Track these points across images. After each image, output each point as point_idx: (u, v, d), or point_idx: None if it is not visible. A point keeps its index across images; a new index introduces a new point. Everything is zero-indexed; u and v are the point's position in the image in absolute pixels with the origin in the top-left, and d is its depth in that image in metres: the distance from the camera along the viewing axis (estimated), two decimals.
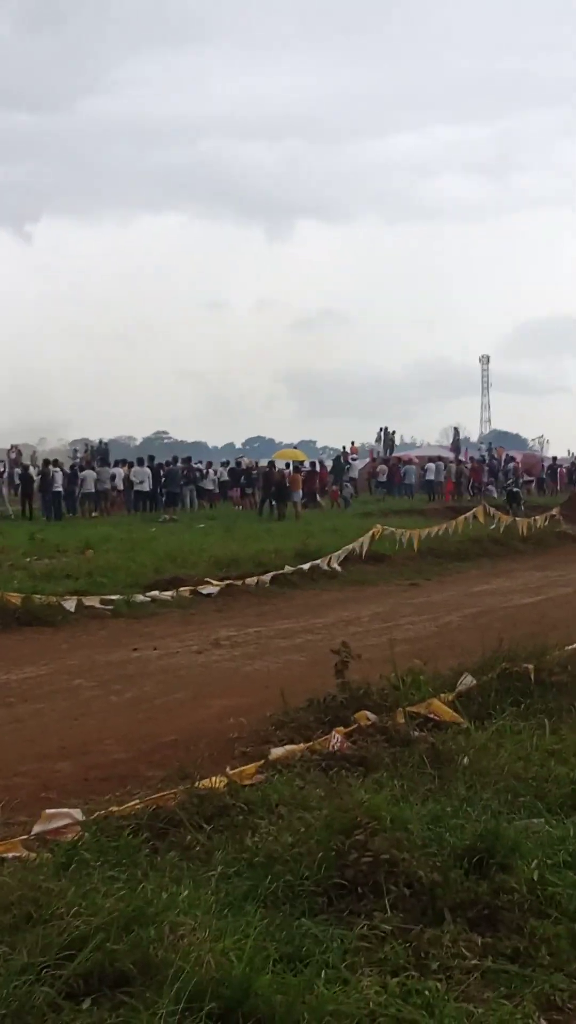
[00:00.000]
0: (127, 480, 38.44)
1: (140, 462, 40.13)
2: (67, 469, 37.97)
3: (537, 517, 32.22)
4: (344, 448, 53.81)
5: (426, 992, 4.38)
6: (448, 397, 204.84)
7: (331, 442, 78.27)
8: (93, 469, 38.72)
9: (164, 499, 38.35)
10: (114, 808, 6.47)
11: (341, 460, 50.20)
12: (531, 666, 9.66)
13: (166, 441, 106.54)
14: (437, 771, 7.17)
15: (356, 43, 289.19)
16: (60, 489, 35.44)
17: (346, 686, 9.08)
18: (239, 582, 19.19)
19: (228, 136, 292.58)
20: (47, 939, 4.42)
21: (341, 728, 8.08)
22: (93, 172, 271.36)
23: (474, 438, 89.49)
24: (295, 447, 68.62)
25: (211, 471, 43.55)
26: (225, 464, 48.52)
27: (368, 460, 55.25)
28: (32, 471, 37.33)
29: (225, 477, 44.50)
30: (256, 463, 46.85)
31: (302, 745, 7.85)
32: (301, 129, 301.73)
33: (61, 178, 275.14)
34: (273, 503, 36.57)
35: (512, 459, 56.47)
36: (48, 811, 6.55)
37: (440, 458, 51.26)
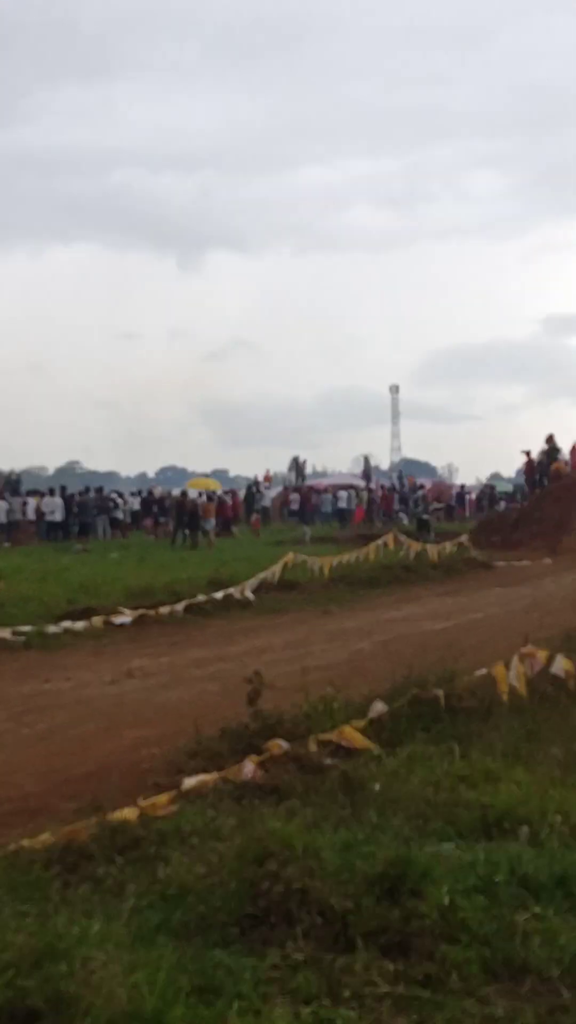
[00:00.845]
0: (38, 510, 38.19)
1: (51, 492, 39.90)
2: None
3: (447, 544, 32.56)
4: (256, 477, 53.96)
5: (338, 1021, 4.39)
6: (359, 426, 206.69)
7: (244, 471, 78.56)
8: (4, 499, 38.42)
9: (77, 529, 38.14)
10: (25, 842, 6.41)
11: (253, 489, 50.37)
12: (441, 692, 9.75)
13: (78, 471, 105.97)
14: (349, 798, 7.20)
15: (267, 75, 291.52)
16: None
17: (259, 715, 9.09)
18: (152, 611, 19.10)
19: (139, 167, 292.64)
20: None
21: (254, 757, 8.09)
22: (2, 203, 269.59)
23: (384, 466, 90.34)
24: (208, 476, 68.70)
25: (122, 500, 43.32)
26: (137, 494, 48.40)
27: (281, 489, 55.44)
28: None
29: (137, 507, 44.38)
30: (169, 492, 46.83)
31: (215, 775, 7.84)
32: (212, 160, 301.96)
33: None
34: (186, 532, 36.53)
35: (422, 487, 57.10)
36: None
37: (351, 486, 51.59)
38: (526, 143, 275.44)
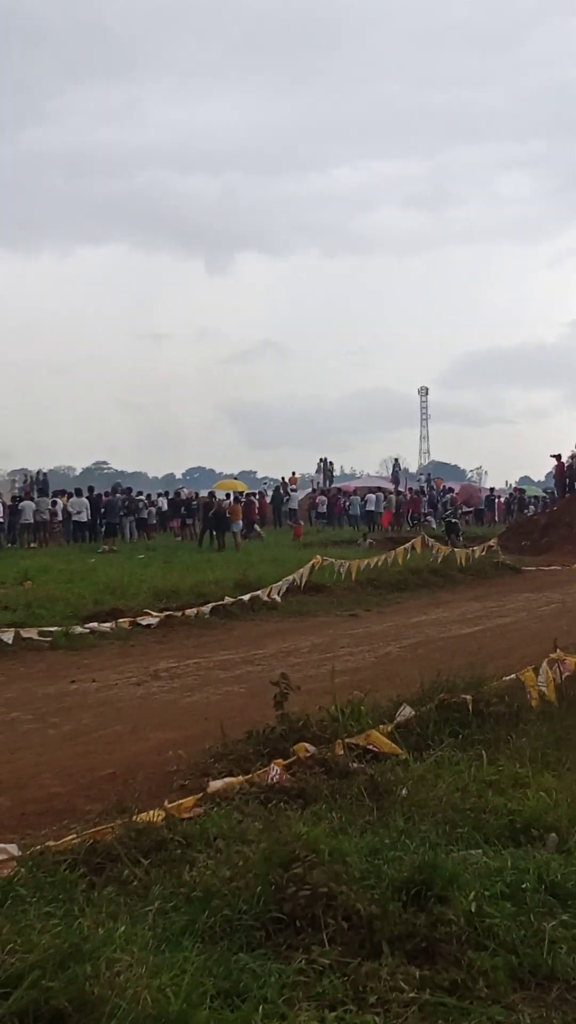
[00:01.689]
0: (65, 511, 38.30)
1: (78, 493, 39.99)
2: (6, 500, 37.77)
3: (475, 548, 32.45)
4: (283, 479, 53.95)
5: None
6: (387, 428, 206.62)
7: (272, 473, 78.56)
8: (32, 500, 38.54)
9: (103, 530, 38.22)
10: (51, 843, 6.40)
11: (280, 491, 50.36)
12: (469, 697, 9.71)
13: (106, 471, 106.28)
14: (376, 803, 7.17)
15: (295, 76, 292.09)
16: (0, 520, 35.23)
17: (285, 718, 9.06)
18: (179, 613, 19.11)
19: (167, 168, 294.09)
20: None
21: (280, 760, 8.06)
22: (31, 204, 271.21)
23: (413, 469, 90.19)
24: (235, 477, 68.77)
25: (148, 502, 43.29)
26: (164, 495, 48.49)
27: (308, 491, 55.41)
28: None
29: (165, 508, 44.44)
30: (196, 494, 46.87)
31: (241, 778, 7.82)
32: (240, 161, 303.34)
33: None
34: (213, 533, 36.55)
35: (450, 490, 56.93)
36: None
37: (380, 489, 51.51)
38: (556, 145, 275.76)
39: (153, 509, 43.32)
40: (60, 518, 38.56)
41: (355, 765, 7.99)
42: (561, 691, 10.81)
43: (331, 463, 63.34)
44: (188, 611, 19.32)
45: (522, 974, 4.92)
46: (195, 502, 42.82)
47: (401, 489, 54.56)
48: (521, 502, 55.07)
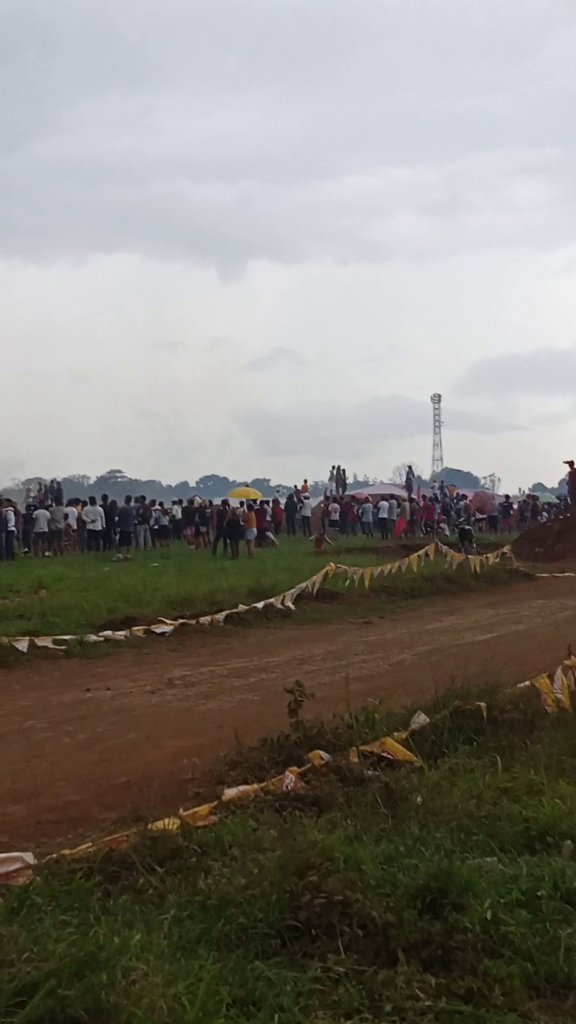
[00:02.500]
0: (79, 519, 38.35)
1: (92, 501, 40.04)
2: (20, 509, 37.87)
3: (489, 555, 32.42)
4: (296, 487, 53.97)
5: None
6: (400, 435, 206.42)
7: (285, 480, 78.53)
8: (46, 508, 38.61)
9: (118, 538, 38.27)
10: (66, 851, 6.41)
11: (293, 499, 50.37)
12: (484, 704, 9.69)
13: (120, 480, 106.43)
14: (390, 810, 7.16)
15: (308, 84, 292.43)
16: (13, 529, 35.29)
17: (300, 725, 9.06)
18: (193, 621, 19.13)
19: (181, 176, 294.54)
20: None
21: (295, 768, 8.07)
22: (46, 212, 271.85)
23: (426, 476, 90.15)
24: (249, 485, 68.79)
25: (156, 510, 43.18)
26: (178, 503, 48.53)
27: (321, 498, 55.39)
28: None
29: (179, 516, 44.45)
30: (210, 502, 46.89)
31: (256, 785, 7.82)
32: (254, 169, 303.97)
33: (13, 218, 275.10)
34: (227, 541, 36.57)
35: (464, 497, 56.93)
36: None
37: (393, 496, 51.47)
38: (570, 152, 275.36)
39: (167, 517, 43.33)
40: (75, 527, 38.60)
41: (370, 772, 7.98)
42: None
43: (344, 470, 63.30)
44: (202, 619, 19.33)
45: (538, 982, 4.91)
46: (209, 510, 42.80)
47: (414, 496, 54.49)
48: (535, 509, 54.97)
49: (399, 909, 5.25)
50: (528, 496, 63.65)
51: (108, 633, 17.60)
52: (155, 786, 8.63)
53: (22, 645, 15.92)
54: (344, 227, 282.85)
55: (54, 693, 13.50)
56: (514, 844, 6.60)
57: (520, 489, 74.64)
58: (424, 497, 55.40)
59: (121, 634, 17.63)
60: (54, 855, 6.31)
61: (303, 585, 23.11)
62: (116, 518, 38.75)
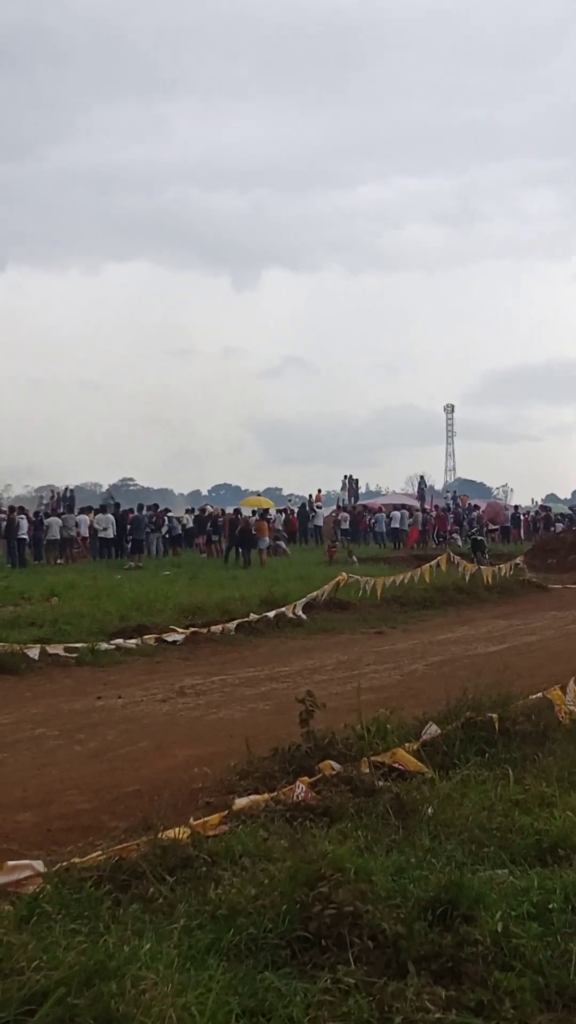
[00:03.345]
0: (91, 527, 38.40)
1: (104, 509, 40.09)
2: (32, 516, 37.94)
3: (501, 565, 32.37)
4: (309, 496, 53.97)
5: None
6: (413, 445, 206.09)
7: (298, 489, 78.49)
8: (59, 516, 38.67)
9: (130, 546, 38.31)
10: (76, 859, 6.41)
11: (306, 508, 50.37)
12: (495, 715, 9.67)
13: (132, 488, 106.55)
14: (401, 821, 7.15)
15: (320, 93, 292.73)
16: (25, 536, 35.35)
17: (311, 735, 9.06)
18: (204, 630, 19.13)
19: (194, 185, 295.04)
20: (7, 993, 4.37)
21: (306, 778, 8.06)
22: (59, 220, 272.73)
23: (439, 486, 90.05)
24: (261, 494, 68.82)
25: (167, 518, 43.12)
26: (191, 511, 48.56)
27: (333, 508, 55.37)
28: None
29: (191, 524, 44.47)
30: (222, 510, 46.90)
31: (266, 795, 7.81)
32: (265, 178, 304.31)
33: (26, 226, 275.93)
34: (239, 550, 36.57)
35: (476, 507, 56.83)
36: (10, 863, 6.49)
37: (405, 506, 51.42)
38: None
39: (179, 525, 43.35)
40: (87, 534, 38.65)
41: (381, 783, 7.96)
42: None
43: (356, 480, 63.33)
44: (214, 628, 19.34)
45: (549, 995, 4.89)
46: (221, 519, 42.81)
47: (427, 507, 54.44)
48: (547, 519, 54.87)
49: (410, 921, 5.24)
50: (541, 507, 63.51)
51: (120, 641, 17.61)
52: (166, 795, 8.64)
53: (33, 652, 15.94)
54: (356, 236, 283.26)
55: (65, 701, 13.50)
56: (525, 856, 6.58)
57: (533, 500, 74.55)
58: (436, 507, 55.34)
59: (132, 642, 17.64)
60: (64, 863, 6.32)
61: (315, 594, 23.12)
62: (128, 526, 38.80)
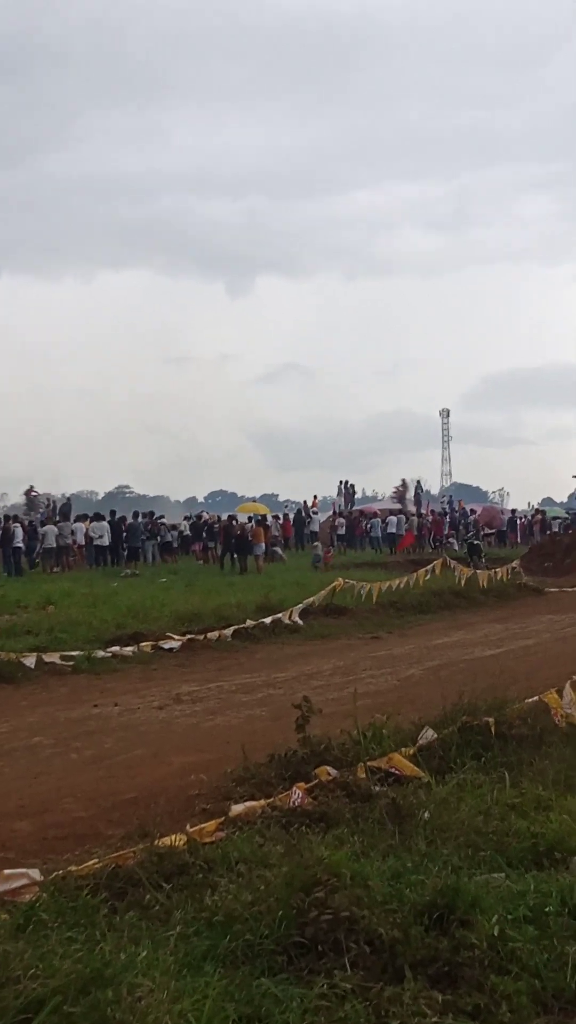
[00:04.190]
0: (87, 535, 38.36)
1: (99, 517, 40.02)
2: (27, 524, 37.91)
3: (498, 569, 32.37)
4: (305, 502, 53.96)
5: None
6: (409, 450, 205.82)
7: (294, 496, 78.43)
8: (54, 524, 38.64)
9: (126, 554, 38.27)
10: (72, 868, 6.41)
11: (302, 514, 50.35)
12: (492, 719, 9.68)
13: (128, 495, 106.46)
14: (398, 826, 7.15)
15: (315, 100, 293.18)
16: (21, 544, 35.32)
17: (307, 741, 9.06)
18: (201, 636, 19.13)
19: (189, 192, 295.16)
20: (3, 1002, 4.37)
21: (302, 784, 8.06)
22: (53, 228, 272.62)
23: (435, 491, 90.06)
24: (257, 500, 68.75)
25: (161, 524, 42.99)
26: (188, 518, 48.54)
27: (330, 514, 55.34)
28: None
29: (187, 532, 44.44)
30: (219, 517, 46.86)
31: (263, 801, 7.81)
32: (260, 185, 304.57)
33: (21, 234, 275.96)
34: (234, 556, 36.57)
35: (472, 511, 56.84)
36: (6, 871, 6.48)
37: (401, 511, 51.42)
38: None
39: (175, 533, 43.33)
40: (82, 542, 38.62)
41: (377, 788, 7.97)
42: None
43: (352, 485, 63.27)
44: (210, 634, 19.35)
45: (545, 998, 4.90)
46: (217, 525, 42.76)
47: (423, 511, 54.42)
48: (543, 523, 54.86)
49: (406, 925, 5.24)
50: (536, 511, 63.46)
51: (116, 649, 17.63)
52: (162, 802, 8.64)
53: (30, 661, 15.94)
54: (351, 242, 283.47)
55: (61, 709, 13.50)
56: (522, 860, 6.59)
57: (529, 503, 74.49)
58: (433, 512, 55.33)
59: (129, 650, 17.65)
60: (60, 871, 6.32)
61: (311, 600, 23.12)
62: (124, 533, 38.76)
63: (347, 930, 5.16)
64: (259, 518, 44.09)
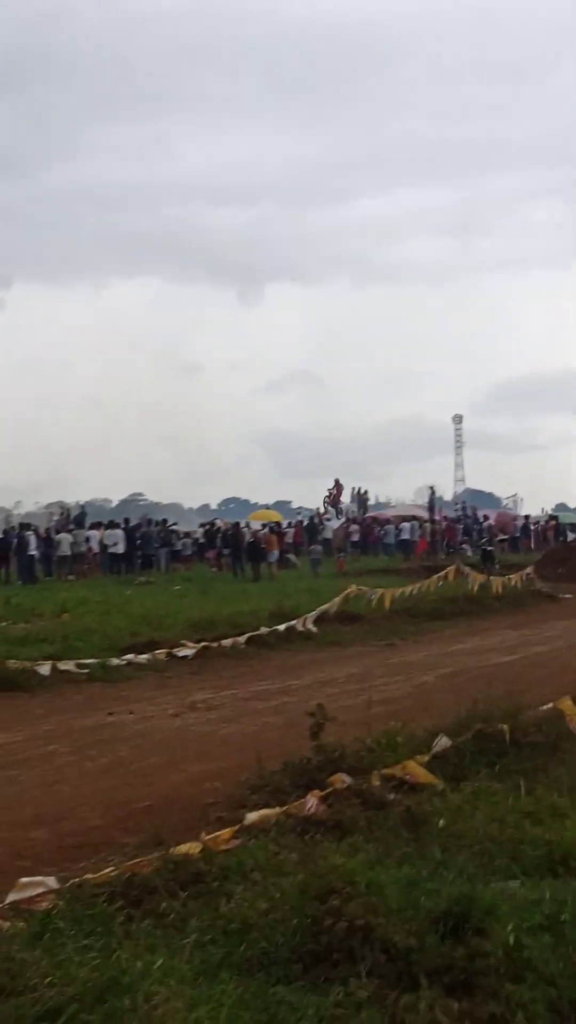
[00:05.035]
0: (101, 543, 38.41)
1: (113, 524, 40.07)
2: (42, 532, 38.00)
3: (512, 576, 32.31)
4: (317, 509, 53.99)
5: None
6: (422, 457, 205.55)
7: (307, 502, 78.34)
8: (69, 532, 38.72)
9: (140, 561, 38.30)
10: (88, 876, 6.42)
11: (315, 521, 50.39)
12: (506, 726, 9.67)
13: (141, 503, 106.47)
14: (412, 834, 7.15)
15: (322, 108, 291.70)
16: (35, 553, 35.39)
17: (321, 749, 9.06)
18: (215, 644, 19.14)
19: (198, 201, 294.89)
20: (20, 1011, 4.39)
21: (317, 791, 8.06)
22: (64, 238, 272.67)
23: (448, 497, 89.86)
24: (270, 507, 68.83)
25: (174, 533, 42.98)
26: (203, 526, 48.62)
27: (343, 520, 55.36)
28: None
29: (202, 539, 44.50)
30: (235, 524, 46.90)
31: (277, 809, 7.82)
32: (269, 193, 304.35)
33: (32, 244, 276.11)
34: (240, 563, 36.66)
35: (486, 518, 56.79)
36: (22, 880, 6.49)
37: (415, 517, 51.40)
38: None
39: (189, 540, 43.39)
40: (97, 550, 38.66)
41: (392, 796, 7.97)
42: None
43: (365, 492, 63.34)
44: (224, 642, 19.35)
45: (561, 1006, 4.88)
46: (229, 532, 42.79)
47: (436, 518, 54.40)
48: (557, 529, 54.76)
49: (421, 933, 5.24)
50: (550, 517, 63.34)
51: (130, 657, 17.62)
52: (177, 810, 8.67)
53: (44, 669, 15.97)
54: (360, 249, 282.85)
55: (76, 717, 13.53)
56: (537, 868, 6.58)
57: (543, 509, 74.26)
58: (446, 518, 55.28)
59: (143, 657, 17.65)
60: (77, 880, 6.33)
61: (325, 607, 23.12)
62: (138, 541, 38.81)
63: (362, 938, 5.16)
64: (272, 525, 44.11)
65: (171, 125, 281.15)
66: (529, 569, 34.65)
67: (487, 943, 5.19)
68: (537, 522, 57.86)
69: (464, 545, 49.55)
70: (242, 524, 45.31)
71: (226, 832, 7.38)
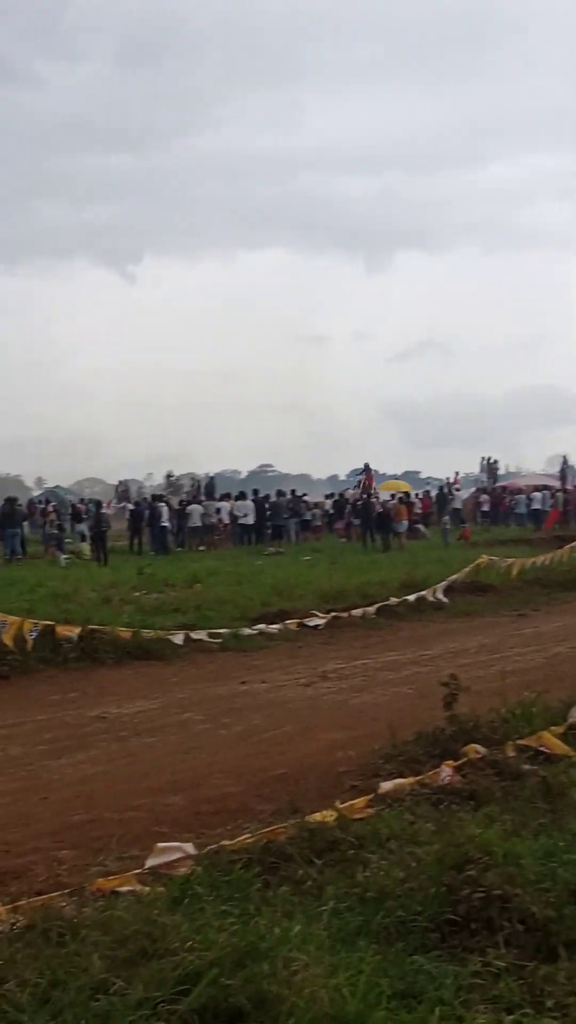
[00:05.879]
0: (231, 514, 38.71)
1: (243, 495, 40.34)
2: (174, 503, 38.46)
3: None
4: (447, 479, 53.58)
5: None
6: (554, 424, 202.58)
7: (435, 472, 77.77)
8: (200, 503, 39.11)
9: (269, 532, 38.49)
10: (225, 842, 6.51)
11: (444, 491, 50.02)
12: None
13: (270, 474, 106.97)
14: (549, 805, 7.06)
15: (450, 73, 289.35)
16: (167, 524, 35.83)
17: (455, 719, 9.02)
18: (345, 614, 19.17)
19: (325, 169, 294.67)
20: (162, 973, 4.47)
21: (451, 761, 8.03)
22: (193, 210, 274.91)
23: None
24: (399, 478, 68.51)
25: (303, 503, 43.01)
26: (330, 496, 48.65)
27: (472, 490, 54.88)
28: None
29: (330, 509, 44.55)
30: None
31: (411, 779, 7.81)
32: (397, 160, 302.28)
33: (162, 218, 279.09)
34: (371, 534, 36.59)
35: None
36: (161, 845, 6.60)
37: (547, 487, 50.70)
38: None
39: (318, 511, 43.49)
40: (227, 521, 38.98)
41: (527, 767, 7.90)
42: None
43: (495, 461, 62.68)
44: (354, 612, 19.37)
45: None
46: (358, 503, 42.72)
47: (569, 487, 53.53)
48: None
49: (559, 904, 5.21)
50: None
51: (262, 626, 17.76)
52: (311, 778, 8.71)
53: (178, 638, 16.19)
54: (490, 215, 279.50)
55: (210, 685, 13.69)
56: None
57: None
58: None
59: (275, 627, 17.78)
60: (214, 846, 6.42)
61: (455, 577, 22.98)
62: (268, 512, 39.01)
63: (500, 908, 5.15)
64: (402, 495, 43.90)
65: (301, 94, 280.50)
66: None
67: None
68: None
69: None
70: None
71: (361, 801, 7.40)
